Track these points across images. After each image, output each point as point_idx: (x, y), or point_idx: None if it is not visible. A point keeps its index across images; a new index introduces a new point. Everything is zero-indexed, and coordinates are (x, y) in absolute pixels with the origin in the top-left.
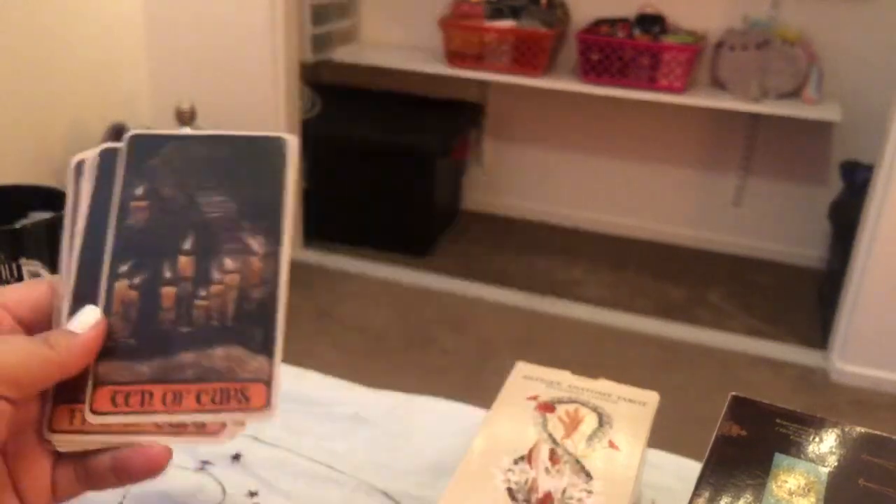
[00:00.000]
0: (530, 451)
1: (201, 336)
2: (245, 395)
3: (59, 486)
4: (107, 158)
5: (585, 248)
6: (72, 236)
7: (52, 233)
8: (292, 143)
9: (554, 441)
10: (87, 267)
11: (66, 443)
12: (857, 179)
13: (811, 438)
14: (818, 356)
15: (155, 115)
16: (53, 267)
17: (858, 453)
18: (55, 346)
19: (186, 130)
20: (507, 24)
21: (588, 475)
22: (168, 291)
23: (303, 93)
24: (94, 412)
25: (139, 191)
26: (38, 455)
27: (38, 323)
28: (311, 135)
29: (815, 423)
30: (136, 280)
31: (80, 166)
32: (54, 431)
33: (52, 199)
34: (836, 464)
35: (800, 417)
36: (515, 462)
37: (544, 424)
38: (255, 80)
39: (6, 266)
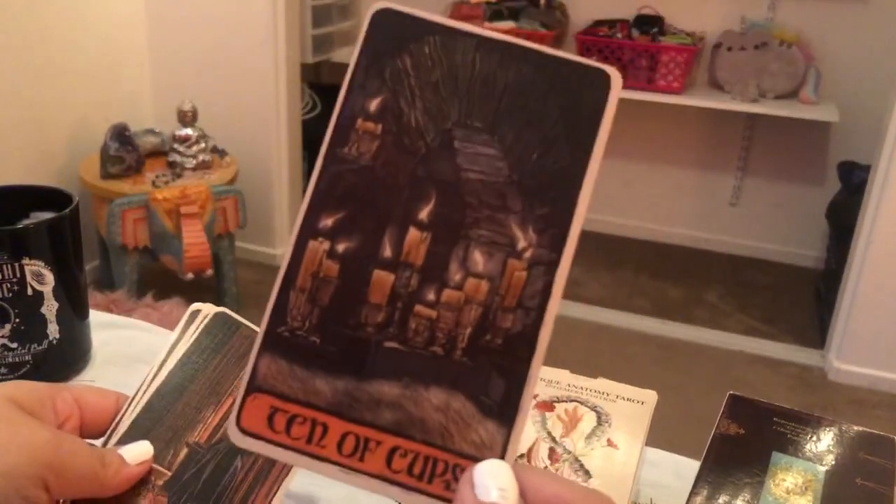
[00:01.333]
0: (529, 450)
1: (413, 364)
2: (457, 475)
3: None
4: (219, 321)
5: (584, 248)
6: (157, 373)
7: (54, 233)
8: (616, 83)
9: (553, 439)
10: (155, 406)
11: None
12: (854, 180)
13: (809, 437)
14: (816, 355)
15: (157, 116)
16: (56, 267)
17: (856, 452)
18: (107, 466)
19: (465, 26)
20: (506, 25)
21: (587, 473)
22: (382, 278)
23: (303, 93)
24: (241, 430)
25: (373, 104)
26: None
27: (93, 427)
28: (311, 135)
29: (813, 422)
30: (341, 247)
31: (194, 315)
32: None
33: (54, 199)
34: (833, 462)
35: (797, 416)
36: (515, 460)
37: (543, 423)
38: (257, 81)
39: (9, 266)
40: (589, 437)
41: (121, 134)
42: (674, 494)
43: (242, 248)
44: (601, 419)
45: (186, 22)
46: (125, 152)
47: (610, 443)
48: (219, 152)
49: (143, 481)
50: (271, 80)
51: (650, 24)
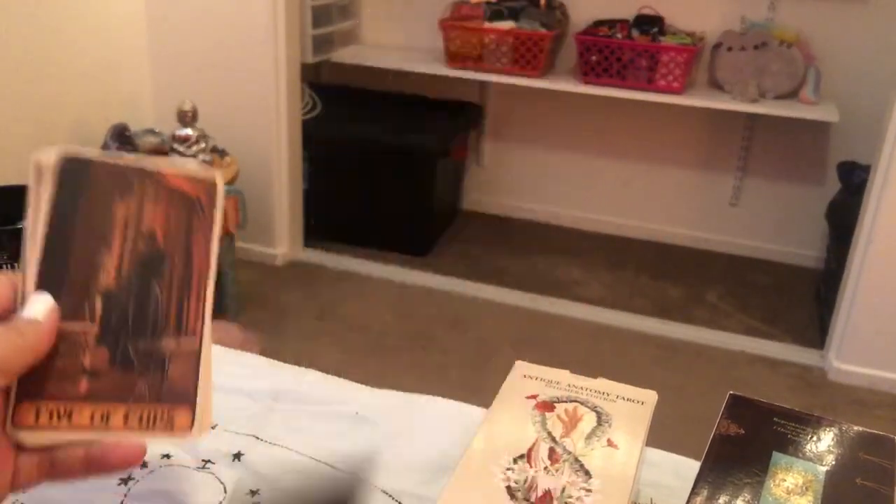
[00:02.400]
0: (529, 450)
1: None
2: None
3: (21, 474)
4: (68, 167)
5: (584, 248)
6: (34, 241)
7: None
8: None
9: (553, 440)
10: (50, 271)
11: (32, 438)
12: (853, 180)
13: (809, 437)
14: (816, 355)
15: (157, 116)
16: None
17: (856, 452)
18: (24, 332)
19: None
20: (506, 25)
21: (587, 473)
22: None
23: (303, 93)
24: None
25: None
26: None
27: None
28: (311, 135)
29: (813, 422)
30: None
31: (39, 170)
32: (18, 427)
33: None
34: (833, 462)
35: (797, 416)
36: (515, 461)
37: (543, 423)
38: (257, 81)
39: (9, 266)
40: (589, 437)
41: (121, 134)
42: (674, 494)
43: (242, 248)
44: (601, 419)
45: (187, 22)
46: (125, 152)
47: (610, 443)
48: (219, 152)
49: (74, 343)
50: (271, 80)
51: (650, 24)
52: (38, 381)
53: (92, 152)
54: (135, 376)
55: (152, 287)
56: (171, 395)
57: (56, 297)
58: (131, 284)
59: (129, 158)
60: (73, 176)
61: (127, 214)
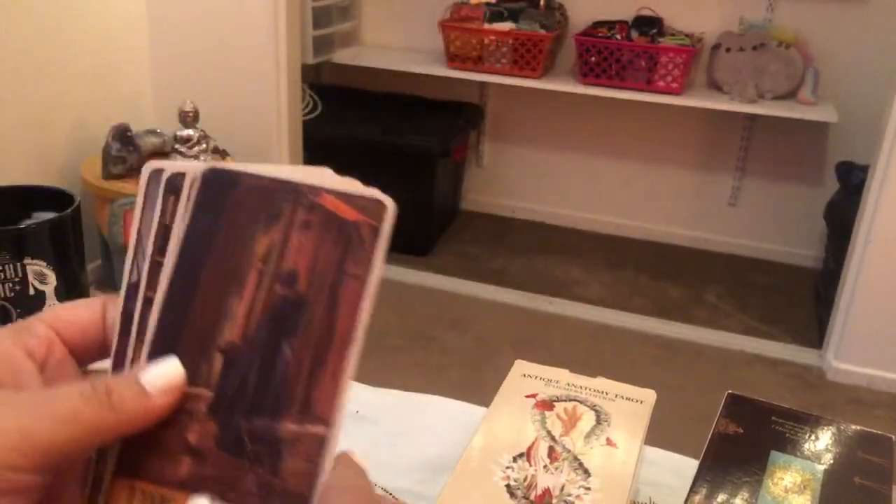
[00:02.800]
0: (529, 449)
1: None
2: None
3: None
4: (213, 185)
5: (584, 248)
6: (162, 272)
7: (56, 233)
8: None
9: (552, 438)
10: (169, 315)
11: None
12: (852, 180)
13: (807, 436)
14: (814, 355)
15: (157, 116)
16: (58, 267)
17: (854, 451)
18: (118, 407)
19: None
20: (506, 26)
21: (586, 472)
22: None
23: (304, 94)
24: None
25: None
26: None
27: (89, 348)
28: (311, 135)
29: (811, 421)
30: None
31: (173, 184)
32: None
33: (56, 199)
34: (831, 461)
35: (796, 415)
36: (514, 459)
37: (543, 422)
38: (257, 82)
39: (11, 266)
40: (588, 436)
41: (123, 134)
42: (673, 493)
43: None
44: (600, 418)
45: (187, 22)
46: (127, 153)
47: (609, 442)
48: (220, 153)
49: (183, 412)
50: (272, 80)
51: (649, 25)
52: (139, 455)
53: (239, 166)
54: (243, 465)
55: (283, 348)
56: (281, 498)
57: (173, 351)
58: (258, 341)
59: (280, 172)
60: (217, 197)
61: (269, 248)
